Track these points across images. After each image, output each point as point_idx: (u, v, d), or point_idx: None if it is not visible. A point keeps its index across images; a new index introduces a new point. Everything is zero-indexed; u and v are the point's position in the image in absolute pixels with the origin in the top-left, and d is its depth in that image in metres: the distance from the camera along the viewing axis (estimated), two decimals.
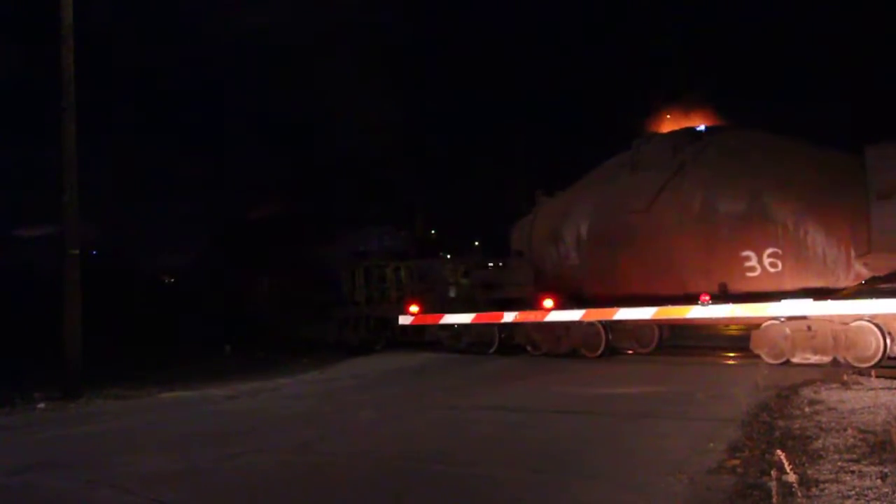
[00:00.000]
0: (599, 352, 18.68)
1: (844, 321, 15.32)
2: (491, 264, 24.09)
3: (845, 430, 8.52)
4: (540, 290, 20.39)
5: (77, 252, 15.35)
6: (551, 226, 20.76)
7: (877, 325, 15.01)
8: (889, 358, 14.95)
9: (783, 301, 15.80)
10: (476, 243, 34.16)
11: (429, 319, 22.16)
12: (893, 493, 6.14)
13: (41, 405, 14.05)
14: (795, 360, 15.65)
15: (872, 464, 6.98)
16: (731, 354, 18.02)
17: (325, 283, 27.11)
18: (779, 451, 6.81)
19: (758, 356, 16.10)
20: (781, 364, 15.56)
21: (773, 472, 6.23)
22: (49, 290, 17.09)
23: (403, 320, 22.51)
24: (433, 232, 33.51)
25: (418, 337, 23.40)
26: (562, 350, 19.38)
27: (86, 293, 15.58)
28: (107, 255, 38.64)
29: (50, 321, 16.49)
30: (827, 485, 6.40)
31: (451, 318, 21.74)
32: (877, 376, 12.63)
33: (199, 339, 27.85)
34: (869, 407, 10.01)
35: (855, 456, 7.29)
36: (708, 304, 16.68)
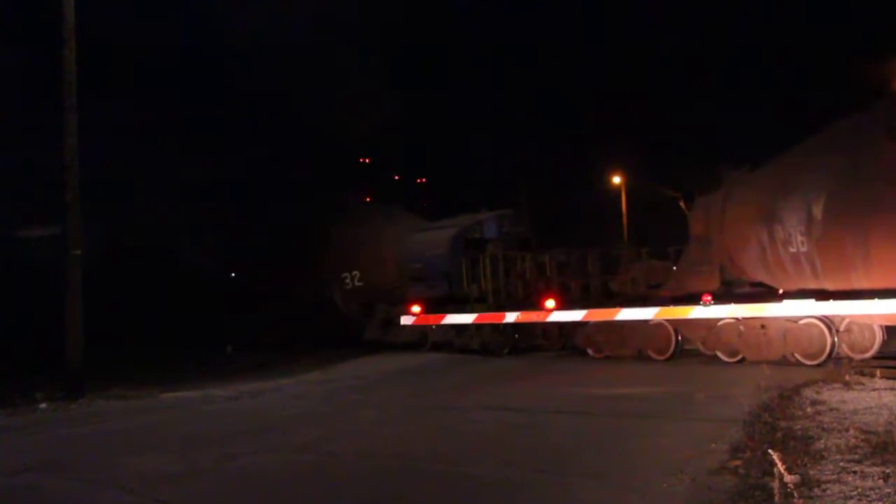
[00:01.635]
0: (822, 359, 15.59)
1: None
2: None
3: (847, 430, 8.51)
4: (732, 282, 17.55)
5: (79, 252, 15.34)
6: (759, 205, 16.69)
7: None
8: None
9: (785, 301, 15.68)
10: None
11: (430, 320, 22.03)
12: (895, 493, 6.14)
13: (43, 405, 14.06)
14: None
15: (874, 464, 6.97)
16: None
17: (427, 277, 23.40)
18: (781, 452, 6.80)
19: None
20: None
21: (775, 473, 6.22)
22: (53, 290, 17.04)
23: (405, 320, 22.35)
24: None
25: (561, 340, 20.99)
26: (772, 356, 16.19)
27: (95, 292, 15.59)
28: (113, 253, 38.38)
29: (52, 321, 16.48)
30: (829, 485, 6.39)
31: (452, 319, 21.62)
32: (880, 377, 12.62)
33: (201, 339, 27.63)
34: (871, 407, 10.00)
35: (857, 456, 7.28)
36: (710, 304, 16.60)
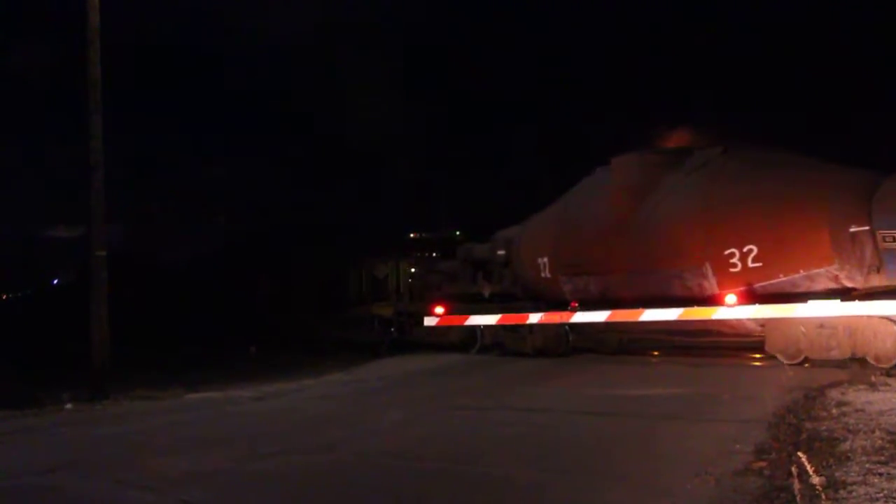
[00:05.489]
0: None
1: None
2: None
3: (873, 431, 8.44)
4: None
5: (104, 253, 15.42)
6: None
7: None
8: None
9: (810, 301, 15.50)
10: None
11: (454, 321, 21.89)
12: None
13: (68, 406, 14.14)
14: None
15: None
16: (758, 356, 17.83)
17: None
18: (806, 453, 6.76)
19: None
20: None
21: (800, 474, 6.18)
22: (78, 290, 17.19)
23: (428, 322, 22.20)
24: (458, 232, 33.24)
25: None
26: None
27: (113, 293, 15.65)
28: (130, 252, 38.65)
29: (78, 321, 16.60)
30: (855, 487, 6.34)
31: (476, 320, 21.46)
32: None
33: (228, 340, 27.70)
34: None
35: (883, 458, 7.22)
36: (733, 304, 16.41)
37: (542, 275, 20.27)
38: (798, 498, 5.93)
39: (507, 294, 22.10)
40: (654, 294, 17.51)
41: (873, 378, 12.38)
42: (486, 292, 22.42)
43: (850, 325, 15.21)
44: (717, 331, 17.71)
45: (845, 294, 15.48)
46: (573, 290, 19.55)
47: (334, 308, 27.99)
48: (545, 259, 20.20)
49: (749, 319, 16.46)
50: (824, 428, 8.90)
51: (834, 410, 10.01)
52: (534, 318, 19.97)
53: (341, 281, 28.38)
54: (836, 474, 6.71)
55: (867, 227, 15.18)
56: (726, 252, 16.54)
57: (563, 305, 19.46)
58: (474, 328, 21.63)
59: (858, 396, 11.10)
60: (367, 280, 26.88)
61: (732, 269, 16.50)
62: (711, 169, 17.68)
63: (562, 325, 19.34)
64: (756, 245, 16.25)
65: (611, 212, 18.86)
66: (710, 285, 16.80)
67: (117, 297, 16.27)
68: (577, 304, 19.40)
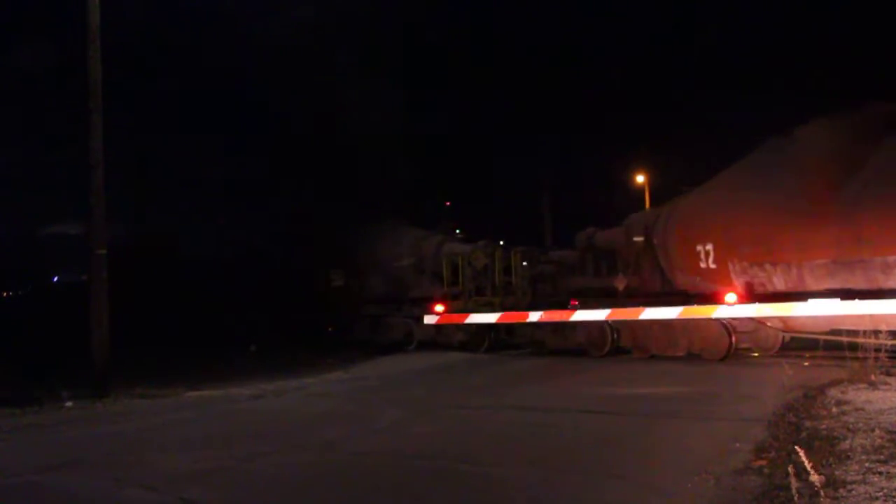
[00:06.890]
0: None
1: None
2: None
3: (873, 430, 8.43)
4: None
5: (104, 252, 15.43)
6: None
7: None
8: None
9: (810, 301, 15.41)
10: (501, 242, 33.25)
11: (454, 319, 21.89)
12: None
13: (69, 404, 14.15)
14: None
15: None
16: (756, 355, 17.84)
17: None
18: (805, 452, 6.75)
19: (783, 356, 15.79)
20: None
21: (800, 473, 6.18)
22: (79, 289, 17.19)
23: (428, 320, 22.19)
24: (458, 231, 33.20)
25: None
26: None
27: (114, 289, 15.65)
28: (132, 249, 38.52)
29: (78, 320, 16.60)
30: (854, 486, 6.34)
31: (476, 318, 21.45)
32: None
33: (225, 338, 27.56)
34: None
35: (883, 457, 7.22)
36: (734, 303, 16.36)
37: (703, 265, 17.42)
38: (797, 497, 5.92)
39: (646, 288, 19.43)
40: (861, 287, 15.01)
41: (873, 377, 12.35)
42: (621, 286, 19.78)
43: None
44: None
45: None
46: (748, 282, 16.79)
47: (412, 301, 24.94)
48: (709, 246, 17.25)
49: None
50: (824, 427, 8.90)
51: (833, 409, 10.00)
52: (533, 316, 19.92)
53: (419, 271, 25.51)
54: (836, 473, 6.71)
55: None
56: None
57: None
58: (603, 325, 19.22)
59: (858, 395, 11.09)
60: (463, 271, 23.83)
61: None
62: None
63: (719, 323, 17.29)
64: None
65: (803, 189, 15.73)
66: None
67: (121, 294, 16.28)
68: (577, 302, 19.39)
